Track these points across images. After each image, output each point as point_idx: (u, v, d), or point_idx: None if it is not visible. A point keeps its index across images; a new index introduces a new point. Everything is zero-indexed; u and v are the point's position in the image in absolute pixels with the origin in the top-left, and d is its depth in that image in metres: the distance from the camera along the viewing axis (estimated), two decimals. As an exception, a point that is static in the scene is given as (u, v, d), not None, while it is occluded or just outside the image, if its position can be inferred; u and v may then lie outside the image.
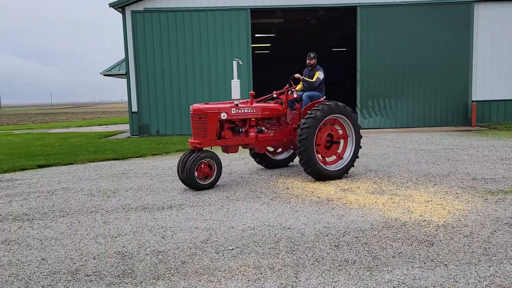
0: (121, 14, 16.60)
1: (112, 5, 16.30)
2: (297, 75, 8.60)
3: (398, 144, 12.65)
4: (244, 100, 8.15)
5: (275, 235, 4.87)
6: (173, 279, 3.82)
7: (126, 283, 3.76)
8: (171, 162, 10.46)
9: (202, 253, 4.40)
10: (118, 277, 3.90)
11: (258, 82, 18.03)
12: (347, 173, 7.95)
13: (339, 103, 7.83)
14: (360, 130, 8.23)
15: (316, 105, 7.80)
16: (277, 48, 29.43)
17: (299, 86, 8.81)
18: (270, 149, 9.18)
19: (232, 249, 4.48)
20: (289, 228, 5.12)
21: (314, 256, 4.23)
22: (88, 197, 7.00)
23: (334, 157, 8.02)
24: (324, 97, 8.46)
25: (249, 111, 7.86)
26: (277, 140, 8.32)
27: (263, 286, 3.60)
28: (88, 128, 25.49)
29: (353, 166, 8.08)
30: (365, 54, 17.19)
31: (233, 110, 7.66)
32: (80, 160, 10.89)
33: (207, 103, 7.80)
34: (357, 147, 8.05)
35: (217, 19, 16.71)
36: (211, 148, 7.68)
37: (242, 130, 7.89)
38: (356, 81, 17.57)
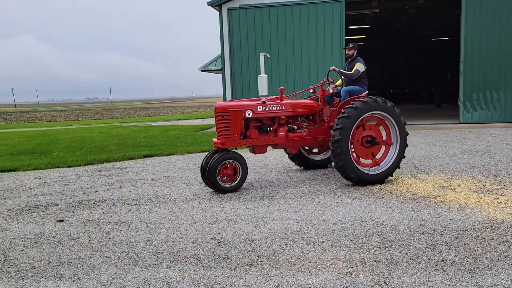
0: (218, 12, 17.28)
1: (210, 3, 17.04)
2: (332, 68, 7.78)
3: (506, 139, 11.57)
4: (273, 97, 7.63)
5: (367, 230, 4.79)
6: (265, 266, 3.96)
7: (222, 267, 3.98)
8: (264, 155, 10.70)
9: (293, 244, 4.49)
10: (214, 261, 4.14)
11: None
12: (391, 175, 7.16)
13: (378, 99, 6.99)
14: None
15: (351, 102, 7.05)
16: (371, 39, 28.45)
17: (339, 81, 8.13)
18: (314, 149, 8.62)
19: (323, 242, 4.51)
20: (382, 224, 5.00)
21: (408, 253, 4.09)
22: (187, 186, 7.47)
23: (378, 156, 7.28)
24: (367, 91, 7.66)
25: (278, 108, 7.25)
26: (311, 140, 7.61)
27: (354, 280, 3.58)
28: (186, 121, 27.02)
29: (399, 167, 7.26)
30: (469, 43, 15.92)
31: (260, 108, 7.10)
32: (179, 151, 11.63)
33: (231, 100, 7.31)
34: (403, 146, 7.19)
35: (311, 12, 16.63)
36: (236, 149, 7.23)
37: (270, 129, 7.29)
38: (459, 72, 16.36)
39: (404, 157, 7.30)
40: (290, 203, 6.09)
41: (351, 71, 7.61)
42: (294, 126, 7.53)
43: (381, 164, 7.16)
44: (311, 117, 7.86)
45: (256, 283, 3.62)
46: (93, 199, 6.77)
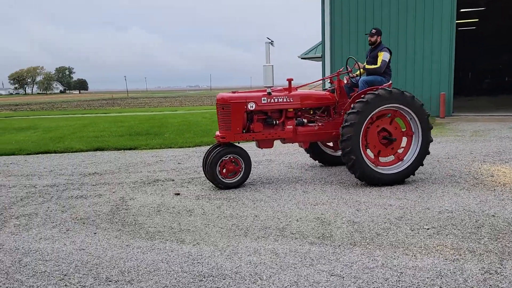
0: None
1: (311, -9, 17.04)
2: (355, 63, 7.11)
3: None
4: (280, 88, 7.09)
5: (476, 221, 4.65)
6: (369, 247, 4.08)
7: (326, 244, 4.19)
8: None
9: (397, 229, 4.54)
10: (318, 238, 4.37)
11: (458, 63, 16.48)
12: (413, 174, 6.54)
13: (393, 90, 6.34)
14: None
15: (362, 95, 6.39)
16: (485, 23, 26.15)
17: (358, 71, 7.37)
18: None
19: (428, 229, 4.49)
20: (493, 215, 4.80)
21: (523, 246, 3.93)
22: (288, 169, 7.77)
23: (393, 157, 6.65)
24: (390, 82, 6.94)
25: (285, 100, 6.72)
26: (323, 134, 6.96)
27: (463, 267, 3.56)
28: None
29: (422, 165, 6.58)
30: None
31: (264, 100, 6.64)
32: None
33: (234, 92, 6.92)
34: (426, 142, 6.46)
35: (417, -4, 15.84)
36: (239, 143, 6.88)
37: (276, 123, 6.79)
38: None
39: (429, 153, 6.60)
40: (393, 190, 6.08)
41: (374, 61, 6.98)
42: (303, 120, 6.93)
43: (399, 163, 6.55)
44: (326, 110, 7.27)
45: (361, 261, 3.77)
46: (203, 177, 7.36)
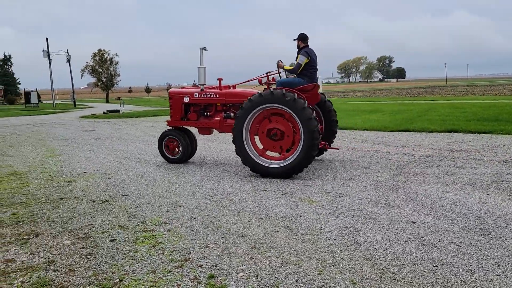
0: None
1: None
2: (278, 62, 7.77)
3: None
4: (213, 86, 8.35)
5: None
6: None
7: None
8: None
9: None
10: None
11: None
12: (296, 173, 6.88)
13: (275, 91, 6.82)
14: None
15: (253, 95, 7.17)
16: None
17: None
18: None
19: None
20: None
21: None
22: None
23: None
24: (316, 83, 7.38)
25: (212, 96, 8.07)
26: None
27: None
28: None
29: (306, 167, 6.90)
30: None
31: (196, 95, 8.16)
32: None
33: (184, 87, 8.66)
34: (310, 144, 6.69)
35: None
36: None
37: (208, 114, 8.17)
38: None
39: (312, 155, 6.76)
40: None
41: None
42: (231, 114, 7.97)
43: (285, 159, 6.96)
44: None
45: None
46: None
